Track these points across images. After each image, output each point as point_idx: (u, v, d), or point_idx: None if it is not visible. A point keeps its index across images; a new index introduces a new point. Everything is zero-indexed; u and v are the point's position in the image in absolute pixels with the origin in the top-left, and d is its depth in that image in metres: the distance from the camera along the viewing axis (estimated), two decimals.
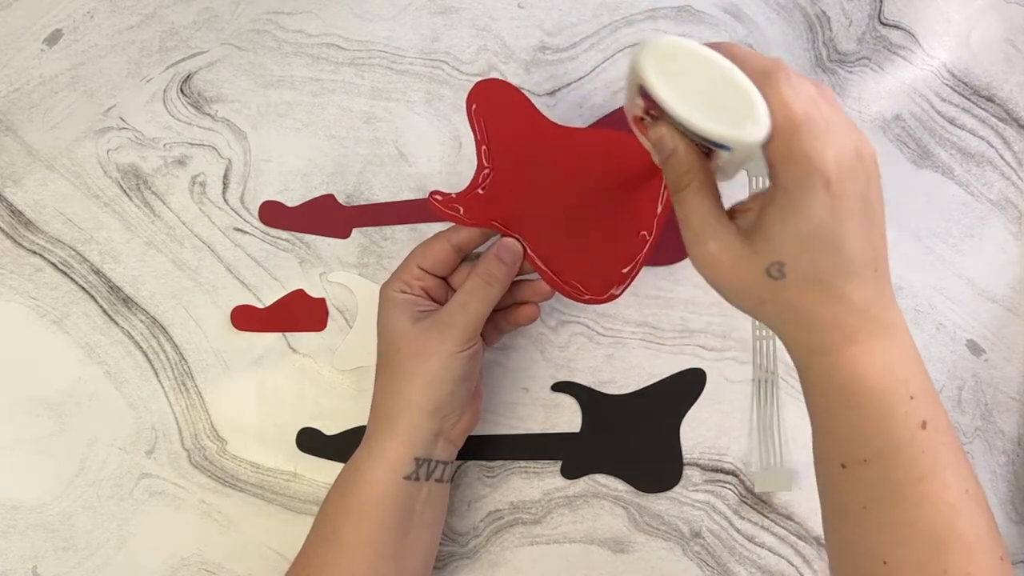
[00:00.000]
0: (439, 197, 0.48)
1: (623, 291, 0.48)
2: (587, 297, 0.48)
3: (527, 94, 0.55)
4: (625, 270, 0.48)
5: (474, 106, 0.49)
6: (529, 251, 0.48)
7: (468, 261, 0.50)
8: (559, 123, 0.49)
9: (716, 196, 0.39)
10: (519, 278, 0.49)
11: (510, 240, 0.48)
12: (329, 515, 0.46)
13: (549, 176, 0.49)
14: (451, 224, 0.49)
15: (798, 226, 0.35)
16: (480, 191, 0.49)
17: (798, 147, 0.34)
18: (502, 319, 0.51)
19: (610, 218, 0.48)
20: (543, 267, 0.48)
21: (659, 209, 0.48)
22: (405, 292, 0.48)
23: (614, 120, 0.54)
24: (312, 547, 0.46)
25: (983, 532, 0.37)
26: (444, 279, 0.49)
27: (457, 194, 0.49)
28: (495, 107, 0.49)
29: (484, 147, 0.49)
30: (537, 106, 0.56)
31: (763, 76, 0.35)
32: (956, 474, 0.37)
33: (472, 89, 0.49)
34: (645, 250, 0.48)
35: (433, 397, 0.46)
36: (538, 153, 0.49)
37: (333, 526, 0.46)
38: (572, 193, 0.48)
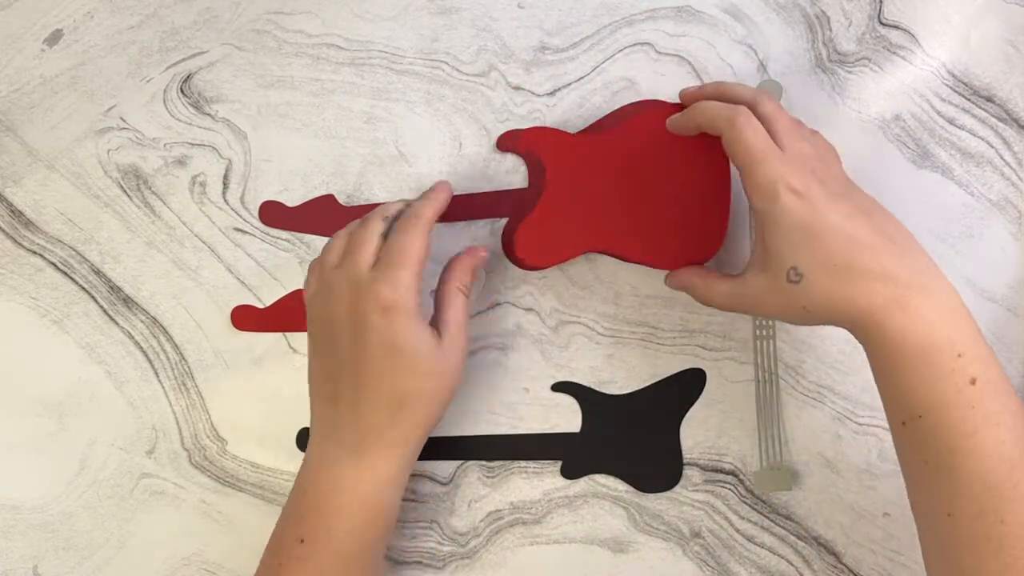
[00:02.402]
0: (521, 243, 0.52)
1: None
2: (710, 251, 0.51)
3: (527, 94, 0.55)
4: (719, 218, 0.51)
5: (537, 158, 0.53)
6: (629, 258, 0.52)
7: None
8: (583, 133, 0.53)
9: (707, 271, 0.49)
10: None
11: (479, 249, 0.51)
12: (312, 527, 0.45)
13: (610, 183, 0.51)
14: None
15: (788, 232, 0.42)
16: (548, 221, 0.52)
17: (761, 174, 0.43)
18: None
19: (680, 187, 0.51)
20: (651, 263, 0.52)
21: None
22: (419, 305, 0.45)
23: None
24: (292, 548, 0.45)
25: None
26: None
27: (528, 234, 0.52)
28: (543, 151, 0.53)
29: (544, 184, 0.53)
30: (538, 106, 0.56)
31: (728, 124, 0.44)
32: (1012, 430, 0.40)
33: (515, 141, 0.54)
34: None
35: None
36: (592, 167, 0.52)
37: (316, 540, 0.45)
38: (636, 187, 0.51)
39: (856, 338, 0.43)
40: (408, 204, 0.49)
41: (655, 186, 0.51)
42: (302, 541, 0.44)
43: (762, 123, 0.45)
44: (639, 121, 0.52)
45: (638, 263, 0.52)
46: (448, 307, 0.47)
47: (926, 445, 0.41)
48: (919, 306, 0.41)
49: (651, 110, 0.52)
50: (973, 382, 0.40)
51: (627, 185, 0.51)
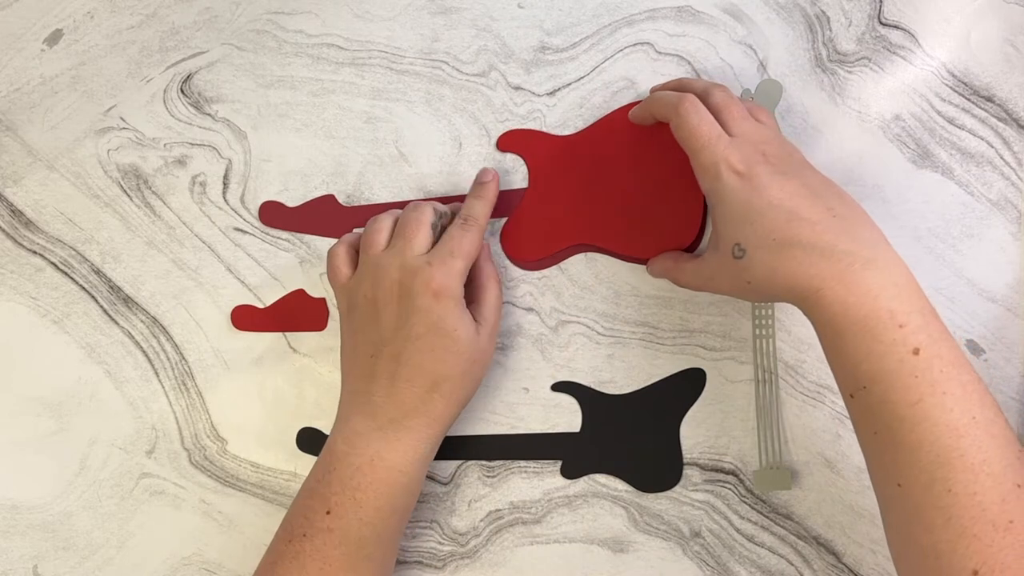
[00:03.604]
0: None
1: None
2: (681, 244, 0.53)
3: (527, 94, 0.55)
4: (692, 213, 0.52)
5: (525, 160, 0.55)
6: (612, 249, 0.53)
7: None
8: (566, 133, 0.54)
9: (679, 254, 0.51)
10: None
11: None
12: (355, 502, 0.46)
13: (588, 179, 0.53)
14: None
15: (731, 210, 0.44)
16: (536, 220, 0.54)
17: (705, 156, 0.45)
18: None
19: (654, 178, 0.53)
20: (632, 257, 0.53)
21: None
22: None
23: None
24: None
25: (992, 457, 0.39)
26: None
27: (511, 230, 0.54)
28: (523, 152, 0.55)
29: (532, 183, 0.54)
30: (538, 106, 0.56)
31: (673, 110, 0.46)
32: (960, 400, 0.39)
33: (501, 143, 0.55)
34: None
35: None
36: (571, 164, 0.54)
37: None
38: (612, 181, 0.53)
39: (804, 313, 0.43)
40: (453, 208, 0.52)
41: (630, 178, 0.53)
42: (328, 512, 0.46)
43: (713, 112, 0.46)
44: (612, 118, 0.54)
45: (620, 253, 0.53)
46: (484, 294, 0.51)
47: (874, 416, 0.41)
48: (860, 279, 0.41)
49: (622, 107, 0.54)
50: (916, 352, 0.40)
51: (604, 179, 0.53)
